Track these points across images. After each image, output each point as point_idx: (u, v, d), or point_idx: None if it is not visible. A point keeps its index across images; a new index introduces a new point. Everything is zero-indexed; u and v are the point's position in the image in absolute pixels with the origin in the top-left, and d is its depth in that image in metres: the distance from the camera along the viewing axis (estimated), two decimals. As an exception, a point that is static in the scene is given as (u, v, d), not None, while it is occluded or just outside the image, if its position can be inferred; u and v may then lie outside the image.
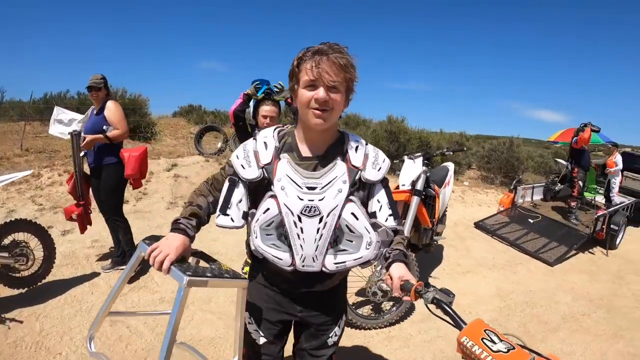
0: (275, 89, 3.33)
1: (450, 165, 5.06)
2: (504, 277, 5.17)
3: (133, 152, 3.82)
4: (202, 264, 1.46)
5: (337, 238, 1.36)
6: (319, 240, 1.33)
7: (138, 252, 1.37)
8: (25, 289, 3.39)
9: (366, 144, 1.44)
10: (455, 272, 5.12)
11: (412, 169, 4.10)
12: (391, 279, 1.32)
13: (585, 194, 8.52)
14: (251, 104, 3.35)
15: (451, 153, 4.72)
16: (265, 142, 1.38)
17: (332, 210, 1.31)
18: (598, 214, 6.72)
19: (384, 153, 1.47)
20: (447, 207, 4.93)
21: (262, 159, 1.35)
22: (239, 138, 3.40)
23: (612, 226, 6.83)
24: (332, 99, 1.25)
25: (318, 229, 1.31)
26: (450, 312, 1.19)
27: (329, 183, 1.32)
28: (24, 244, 3.36)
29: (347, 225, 1.33)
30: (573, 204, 7.53)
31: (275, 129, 1.43)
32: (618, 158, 9.27)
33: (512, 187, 8.12)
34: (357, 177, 1.37)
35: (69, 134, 3.75)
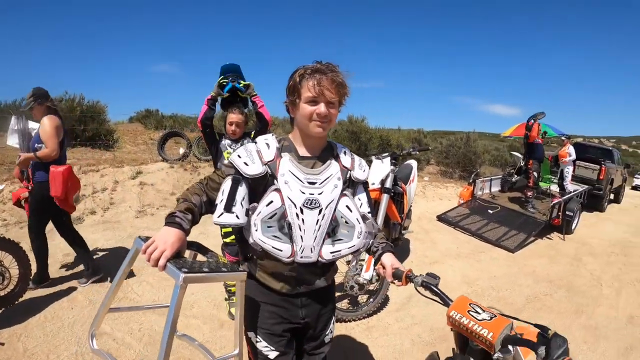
0: (241, 85, 3.30)
1: (414, 163, 5.32)
2: (469, 265, 5.49)
3: (58, 168, 3.53)
4: (199, 257, 1.51)
5: (334, 229, 1.51)
6: (318, 231, 1.47)
7: (134, 248, 1.37)
8: (2, 309, 3.25)
9: (350, 152, 1.64)
10: (423, 264, 5.40)
11: (381, 168, 4.29)
12: (384, 267, 1.52)
13: (541, 183, 9.02)
14: (220, 99, 3.32)
15: (417, 153, 4.95)
16: (267, 143, 1.51)
17: (329, 203, 1.48)
18: (553, 202, 7.18)
19: None
20: (412, 203, 5.17)
21: (265, 156, 1.47)
22: (206, 144, 3.41)
23: (567, 213, 7.33)
24: (331, 113, 1.44)
25: (317, 220, 1.46)
26: (438, 292, 1.37)
27: (326, 179, 1.49)
28: (-2, 262, 3.24)
29: (342, 217, 1.50)
30: (529, 193, 7.97)
31: (272, 135, 1.57)
32: (570, 149, 9.88)
33: (470, 181, 8.49)
34: (347, 176, 1.56)
35: (13, 116, 3.63)
